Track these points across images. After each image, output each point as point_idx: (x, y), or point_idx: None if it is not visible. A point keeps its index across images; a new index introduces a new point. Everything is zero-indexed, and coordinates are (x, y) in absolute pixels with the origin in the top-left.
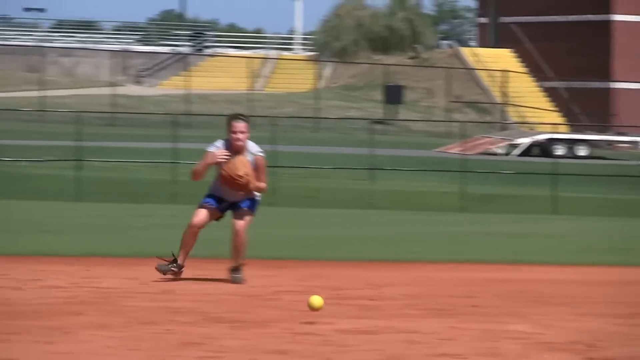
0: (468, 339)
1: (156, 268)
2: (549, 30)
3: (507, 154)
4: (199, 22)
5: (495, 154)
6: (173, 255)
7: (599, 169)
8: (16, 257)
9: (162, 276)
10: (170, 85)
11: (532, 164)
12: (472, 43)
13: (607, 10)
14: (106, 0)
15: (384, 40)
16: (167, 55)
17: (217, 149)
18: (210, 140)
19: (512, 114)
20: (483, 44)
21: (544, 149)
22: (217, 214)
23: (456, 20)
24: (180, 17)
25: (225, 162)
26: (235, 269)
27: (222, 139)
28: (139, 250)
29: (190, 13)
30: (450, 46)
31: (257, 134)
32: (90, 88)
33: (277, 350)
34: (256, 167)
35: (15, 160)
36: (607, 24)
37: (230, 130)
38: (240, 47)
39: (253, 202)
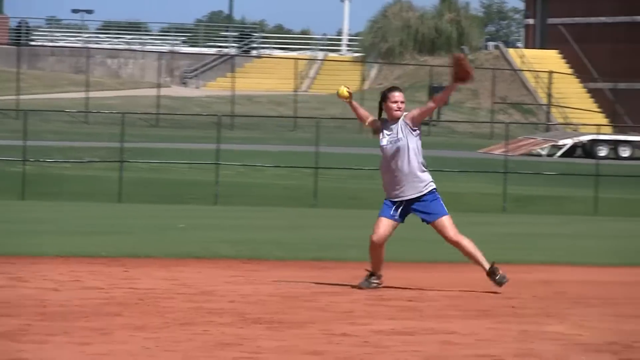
0: (505, 340)
1: (359, 286)
2: (595, 31)
3: (550, 155)
4: (246, 24)
5: (538, 155)
6: (367, 271)
7: None
8: (56, 258)
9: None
10: (216, 87)
11: (574, 165)
12: (519, 44)
13: None
14: (154, 2)
15: (431, 42)
16: (214, 56)
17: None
18: (254, 141)
19: (557, 115)
20: (529, 45)
21: (586, 150)
22: (396, 224)
23: (503, 22)
24: (227, 18)
25: None
26: (492, 273)
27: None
28: (178, 251)
29: (238, 14)
30: (497, 47)
31: (301, 134)
32: (136, 89)
33: (314, 351)
34: (413, 116)
35: (59, 161)
36: None
37: (390, 100)
38: (286, 48)
39: (435, 205)
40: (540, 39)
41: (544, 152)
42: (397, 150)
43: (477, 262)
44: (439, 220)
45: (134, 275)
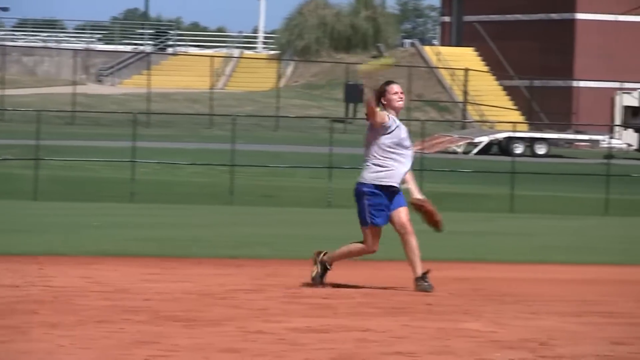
0: (421, 337)
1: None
2: (512, 28)
3: (466, 153)
4: (162, 21)
5: (454, 153)
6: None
7: (556, 168)
8: None
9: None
10: (132, 84)
11: (490, 162)
12: (435, 42)
13: (571, 8)
14: None
15: (347, 39)
16: (130, 54)
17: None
18: (170, 139)
19: (473, 113)
20: (445, 43)
21: (503, 147)
22: None
23: (419, 19)
24: (143, 15)
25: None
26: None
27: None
28: (93, 249)
29: (154, 12)
30: (413, 45)
31: (217, 132)
32: (52, 87)
33: (229, 348)
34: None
35: None
36: (570, 22)
37: (390, 93)
38: (202, 45)
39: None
40: (456, 36)
41: (460, 150)
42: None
43: (415, 262)
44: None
45: (50, 273)
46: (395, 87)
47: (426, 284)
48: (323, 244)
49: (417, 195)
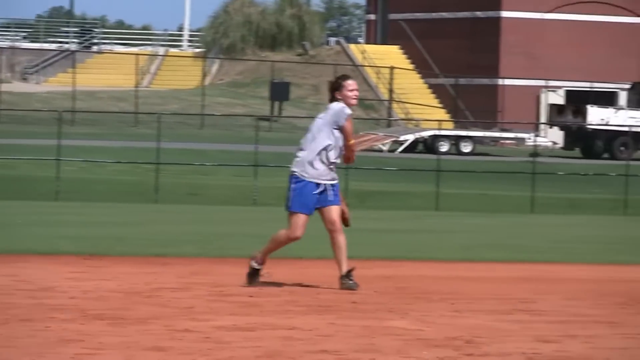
0: (347, 336)
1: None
2: (437, 27)
3: (391, 151)
4: (87, 19)
5: (380, 151)
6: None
7: (482, 166)
8: None
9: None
10: (57, 82)
11: (416, 160)
12: (360, 40)
13: (496, 7)
14: None
15: (272, 37)
16: (55, 52)
17: (349, 116)
18: (95, 137)
19: (398, 111)
20: (371, 41)
21: (428, 145)
22: None
23: (345, 17)
24: (68, 14)
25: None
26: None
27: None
28: (18, 247)
29: (79, 10)
30: (338, 43)
31: (142, 130)
32: None
33: (156, 347)
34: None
35: None
36: (496, 20)
37: (346, 89)
38: (127, 44)
39: (337, 193)
40: (382, 34)
41: (385, 148)
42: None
43: (342, 260)
44: (337, 206)
45: None
46: (352, 83)
47: (351, 282)
48: (249, 241)
49: None
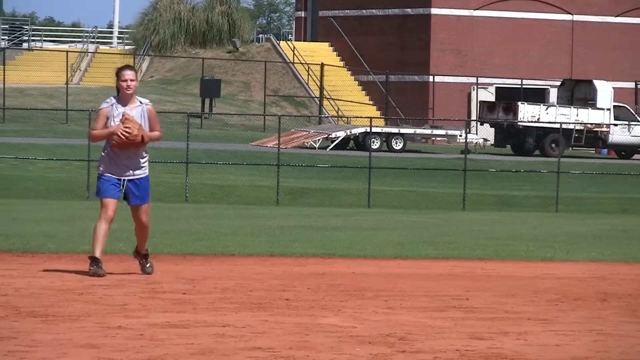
0: (280, 333)
1: (91, 274)
2: (367, 23)
3: (322, 148)
4: (16, 16)
5: (311, 148)
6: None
7: (413, 163)
8: None
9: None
10: None
11: (347, 157)
12: (291, 37)
13: (426, 4)
14: None
15: (202, 34)
16: None
17: (109, 105)
18: (26, 134)
19: (329, 108)
20: (301, 38)
21: (359, 142)
22: (117, 201)
23: (275, 14)
24: None
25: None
26: (146, 257)
27: (112, 96)
28: None
29: (8, 7)
30: (268, 40)
31: (73, 127)
32: None
33: (89, 344)
34: (150, 118)
35: None
36: (426, 17)
37: (121, 79)
38: (57, 41)
39: (148, 190)
40: (312, 31)
41: (316, 145)
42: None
43: (144, 243)
44: (146, 205)
45: None
46: (127, 73)
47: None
48: (181, 239)
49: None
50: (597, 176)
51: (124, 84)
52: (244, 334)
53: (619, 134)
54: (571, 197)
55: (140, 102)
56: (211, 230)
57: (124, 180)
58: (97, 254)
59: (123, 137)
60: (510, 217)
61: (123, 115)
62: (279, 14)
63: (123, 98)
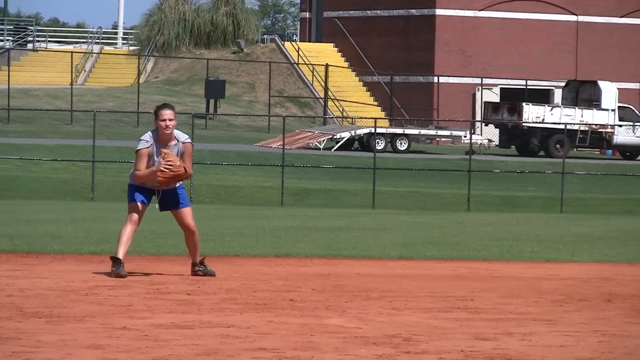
0: (285, 333)
1: (113, 275)
2: (372, 24)
3: (327, 149)
4: (21, 17)
5: (316, 149)
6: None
7: (418, 164)
8: None
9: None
10: None
11: (351, 158)
12: (295, 38)
13: (431, 4)
14: None
15: (207, 35)
16: None
17: (149, 144)
18: (30, 135)
19: (334, 109)
20: (306, 39)
21: (364, 143)
22: (146, 207)
23: (279, 15)
24: (2, 11)
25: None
26: (202, 263)
27: (150, 131)
28: None
29: (13, 7)
30: (273, 41)
31: (78, 128)
32: None
33: (94, 345)
34: (185, 154)
35: None
36: (431, 18)
37: (159, 119)
38: (62, 41)
39: (184, 195)
40: (316, 32)
41: (321, 146)
42: None
43: (196, 253)
44: (187, 208)
45: None
46: (165, 113)
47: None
48: (181, 238)
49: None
50: (602, 177)
51: (162, 124)
52: (249, 334)
53: (623, 135)
54: (576, 198)
55: (177, 140)
56: (216, 231)
57: (159, 190)
58: (120, 255)
59: (167, 171)
60: (515, 217)
61: (162, 152)
62: (283, 14)
63: (161, 137)
